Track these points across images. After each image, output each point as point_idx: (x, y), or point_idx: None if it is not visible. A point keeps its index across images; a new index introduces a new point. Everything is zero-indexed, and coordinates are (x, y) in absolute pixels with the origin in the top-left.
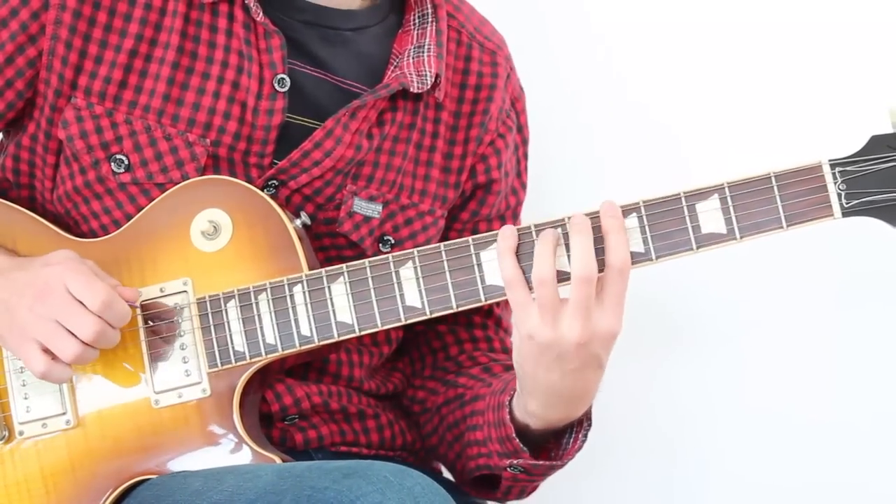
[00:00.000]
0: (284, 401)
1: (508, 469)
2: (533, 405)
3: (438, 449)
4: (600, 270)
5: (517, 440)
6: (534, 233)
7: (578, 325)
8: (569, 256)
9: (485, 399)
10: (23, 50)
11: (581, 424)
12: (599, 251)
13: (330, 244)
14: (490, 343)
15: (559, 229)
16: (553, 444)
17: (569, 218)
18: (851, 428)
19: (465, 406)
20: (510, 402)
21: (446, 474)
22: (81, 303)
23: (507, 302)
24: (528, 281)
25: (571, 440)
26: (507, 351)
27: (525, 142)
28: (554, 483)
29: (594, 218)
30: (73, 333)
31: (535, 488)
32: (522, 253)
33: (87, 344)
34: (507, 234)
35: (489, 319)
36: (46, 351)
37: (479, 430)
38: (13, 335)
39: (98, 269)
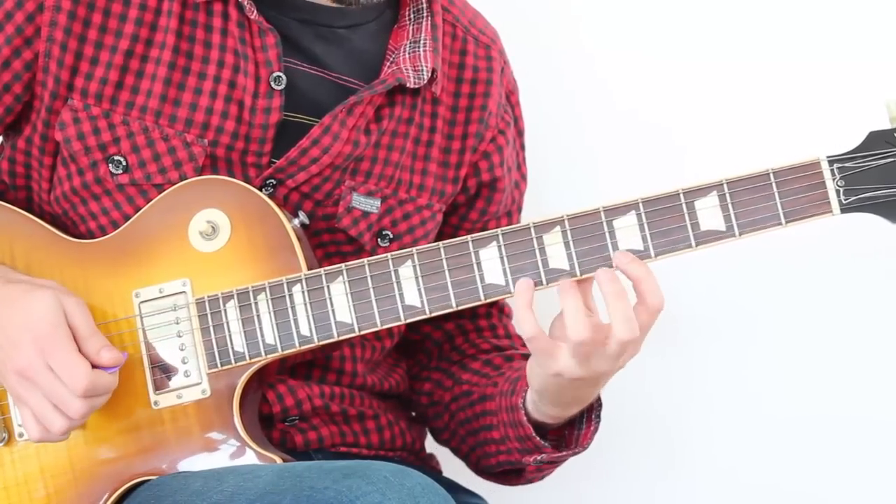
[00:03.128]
0: (286, 402)
1: (533, 463)
2: (551, 410)
3: (451, 442)
4: None
5: (537, 438)
6: (533, 231)
7: (611, 365)
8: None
9: (495, 400)
10: (19, 53)
11: (592, 407)
12: (599, 239)
13: (329, 240)
14: (494, 330)
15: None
16: (567, 427)
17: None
18: (850, 425)
19: (476, 405)
20: (524, 403)
21: (446, 474)
22: (65, 384)
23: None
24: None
25: (585, 422)
26: (510, 336)
27: (521, 133)
28: (552, 483)
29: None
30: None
31: (557, 467)
32: (523, 251)
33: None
34: (523, 289)
35: (493, 308)
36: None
37: (494, 429)
38: (9, 391)
39: (83, 321)
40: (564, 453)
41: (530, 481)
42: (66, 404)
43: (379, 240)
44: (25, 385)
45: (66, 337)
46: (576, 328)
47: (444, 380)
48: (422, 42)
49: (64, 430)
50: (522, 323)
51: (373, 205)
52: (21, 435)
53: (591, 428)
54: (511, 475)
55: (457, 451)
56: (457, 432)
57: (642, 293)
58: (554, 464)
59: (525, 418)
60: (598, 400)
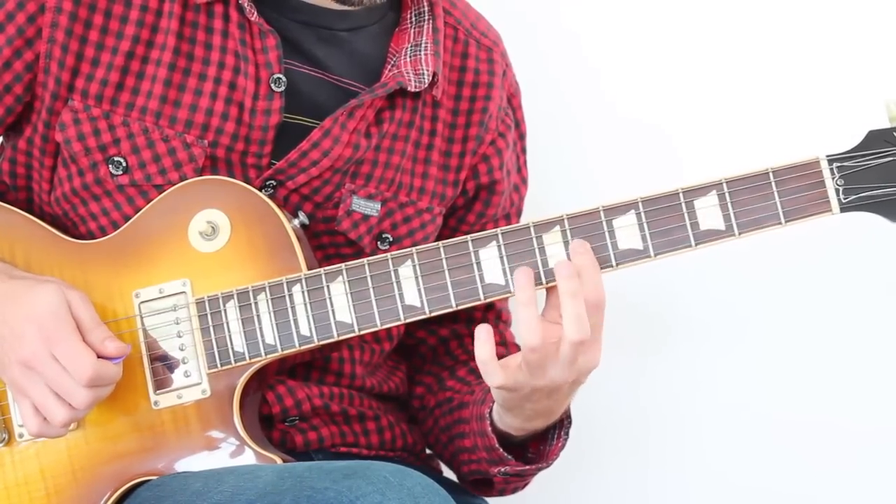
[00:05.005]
0: (285, 403)
1: (499, 475)
2: (514, 421)
3: (435, 447)
4: None
5: (501, 450)
6: (532, 230)
7: (566, 373)
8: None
9: (468, 408)
10: (20, 54)
11: (562, 424)
12: (599, 239)
13: (328, 242)
14: None
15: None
16: (540, 441)
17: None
18: (851, 426)
19: (454, 412)
20: (490, 413)
21: (447, 473)
22: (70, 374)
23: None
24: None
25: (555, 438)
26: (505, 344)
27: (522, 136)
28: (548, 483)
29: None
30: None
31: (527, 483)
32: (523, 251)
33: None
34: (522, 284)
35: (489, 313)
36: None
37: (466, 437)
38: (9, 385)
39: (86, 313)
40: (528, 467)
41: (501, 493)
42: (71, 393)
43: (379, 243)
44: (29, 375)
45: (71, 327)
46: (528, 335)
47: (434, 384)
48: (423, 45)
49: (65, 421)
50: (526, 328)
51: (373, 208)
52: (21, 435)
53: (559, 444)
54: (483, 485)
55: (441, 457)
56: (439, 438)
57: (583, 285)
58: (520, 477)
59: (490, 428)
60: (568, 417)
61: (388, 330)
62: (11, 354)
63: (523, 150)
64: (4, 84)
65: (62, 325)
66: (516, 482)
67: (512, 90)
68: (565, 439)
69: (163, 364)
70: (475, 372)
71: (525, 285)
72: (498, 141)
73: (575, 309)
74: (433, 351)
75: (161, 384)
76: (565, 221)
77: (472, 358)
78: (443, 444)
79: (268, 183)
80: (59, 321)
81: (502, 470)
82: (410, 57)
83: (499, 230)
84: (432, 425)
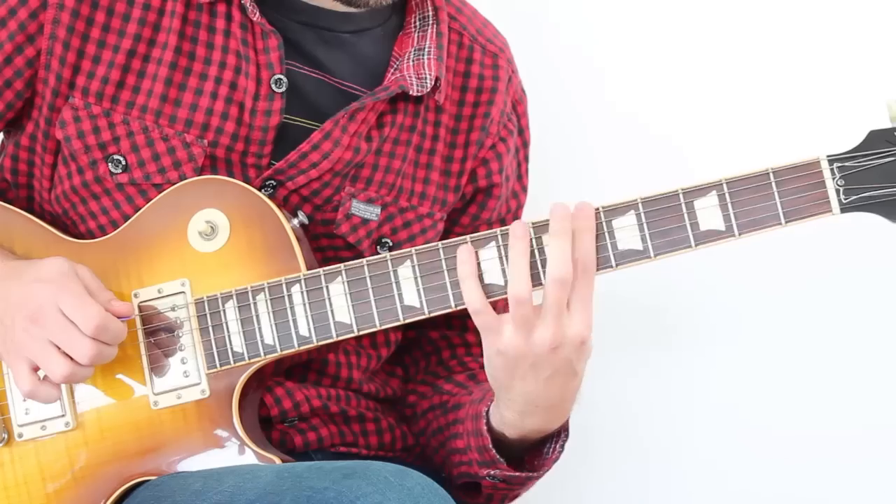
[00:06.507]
0: (284, 405)
1: (487, 478)
2: (509, 415)
3: (426, 451)
4: None
5: (493, 451)
6: (532, 231)
7: (550, 331)
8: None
9: (464, 408)
10: (21, 50)
11: (559, 435)
12: (598, 239)
13: (327, 245)
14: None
15: (530, 230)
16: (535, 454)
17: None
18: (853, 426)
19: (449, 413)
20: (487, 412)
21: None
22: (76, 324)
23: (504, 301)
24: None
25: (550, 450)
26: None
27: (526, 144)
28: (547, 483)
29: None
30: (68, 355)
31: (516, 496)
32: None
33: (82, 364)
34: (466, 259)
35: None
36: (37, 370)
37: (460, 438)
38: (8, 352)
39: (92, 280)
40: (518, 474)
41: (489, 500)
42: (74, 344)
43: (378, 247)
44: (32, 331)
45: (78, 284)
46: (515, 282)
47: (428, 391)
48: (426, 50)
49: (64, 375)
50: (467, 293)
51: (373, 212)
52: (20, 435)
53: (553, 457)
54: (471, 490)
55: (432, 462)
56: (430, 442)
57: (575, 246)
58: (508, 485)
59: (485, 427)
60: (566, 431)
61: (387, 336)
62: (17, 314)
63: (525, 159)
64: (5, 79)
65: (70, 281)
66: (504, 490)
67: (517, 97)
68: (560, 452)
69: (162, 364)
70: (476, 378)
71: (467, 259)
72: (498, 145)
73: (559, 246)
74: (426, 359)
75: (160, 384)
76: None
77: (467, 368)
78: (434, 448)
79: (267, 183)
80: (66, 277)
81: (492, 473)
82: (413, 61)
83: (498, 231)
84: (424, 428)
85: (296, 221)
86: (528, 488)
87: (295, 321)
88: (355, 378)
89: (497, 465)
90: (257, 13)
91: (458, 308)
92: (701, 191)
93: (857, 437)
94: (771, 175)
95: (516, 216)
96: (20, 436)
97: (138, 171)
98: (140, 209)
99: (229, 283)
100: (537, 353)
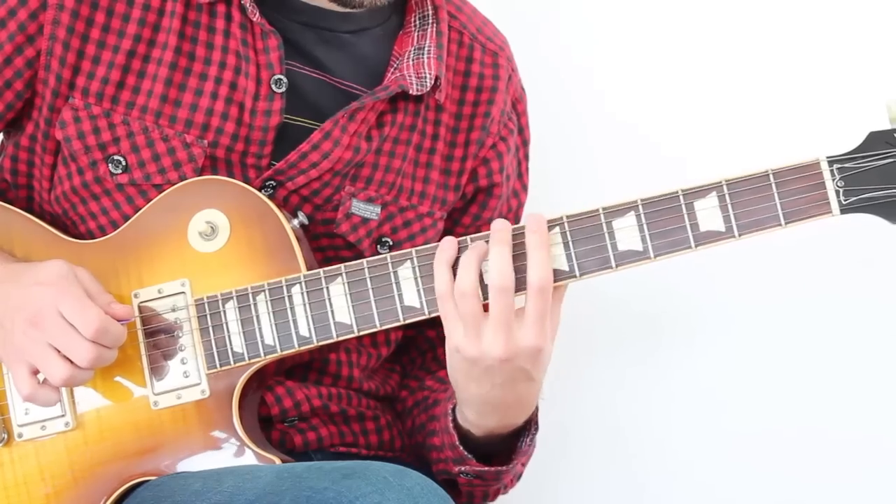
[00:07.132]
0: (284, 404)
1: (461, 475)
2: (469, 414)
3: (416, 450)
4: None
5: (461, 447)
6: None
7: (501, 341)
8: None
9: (440, 405)
10: (21, 50)
11: (529, 429)
12: (599, 240)
13: (328, 245)
14: None
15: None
16: (511, 448)
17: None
18: (853, 427)
19: (429, 410)
20: (453, 409)
21: None
22: (76, 328)
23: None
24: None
25: (523, 443)
26: None
27: (526, 143)
28: (545, 482)
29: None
30: (67, 358)
31: (498, 492)
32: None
33: (82, 368)
34: (445, 247)
35: None
36: (36, 373)
37: (436, 436)
38: (7, 355)
39: (92, 283)
40: (488, 468)
41: (470, 498)
42: (74, 347)
43: (378, 247)
44: (32, 334)
45: (78, 287)
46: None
47: (415, 386)
48: (426, 49)
49: (64, 378)
50: (437, 277)
51: (373, 211)
52: (20, 435)
53: (524, 450)
54: (451, 488)
55: (421, 460)
56: (416, 439)
57: (528, 264)
58: (482, 480)
59: (452, 424)
60: (536, 424)
61: (387, 335)
62: (17, 317)
63: (525, 157)
64: (5, 80)
65: (70, 284)
66: (480, 486)
67: (517, 95)
68: (531, 445)
69: (162, 364)
70: None
71: (446, 247)
72: (499, 144)
73: (500, 253)
74: (422, 356)
75: (160, 384)
76: (565, 223)
77: None
78: (419, 444)
79: (267, 183)
80: (66, 280)
81: (464, 469)
82: (413, 60)
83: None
84: (411, 426)
85: (296, 222)
86: (506, 483)
87: (295, 321)
88: (356, 376)
89: (467, 462)
90: (257, 13)
91: None
92: (701, 192)
93: (853, 440)
94: (771, 176)
95: (517, 215)
96: (20, 436)
97: (138, 171)
98: (140, 209)
99: (229, 284)
100: (488, 362)
